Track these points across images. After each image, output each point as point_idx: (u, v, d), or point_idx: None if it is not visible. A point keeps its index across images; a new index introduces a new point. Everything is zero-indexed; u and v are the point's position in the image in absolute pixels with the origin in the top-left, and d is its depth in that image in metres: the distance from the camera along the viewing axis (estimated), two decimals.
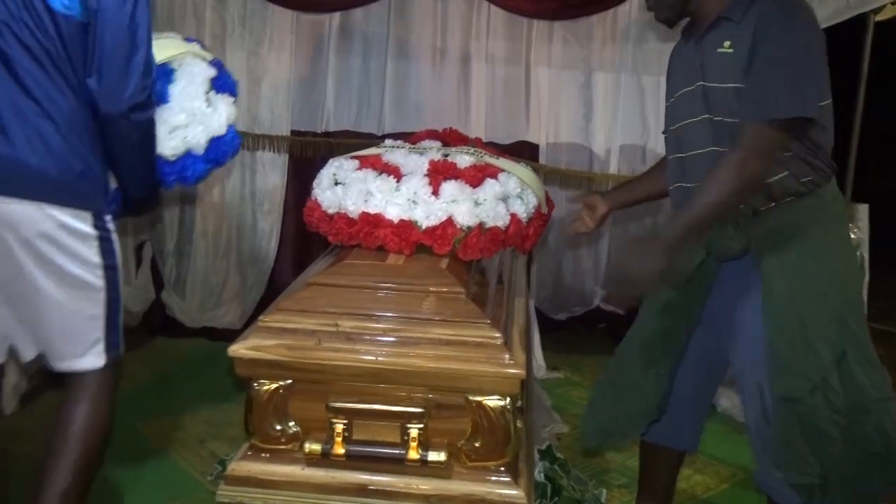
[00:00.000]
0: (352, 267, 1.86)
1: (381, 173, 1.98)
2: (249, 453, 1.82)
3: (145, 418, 2.72)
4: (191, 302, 3.78)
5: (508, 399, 1.72)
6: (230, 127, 1.98)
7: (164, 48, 1.91)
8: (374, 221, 1.89)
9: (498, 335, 1.73)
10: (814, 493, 1.72)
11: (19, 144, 1.61)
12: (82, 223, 1.71)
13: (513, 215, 2.01)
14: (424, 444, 1.75)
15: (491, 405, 1.72)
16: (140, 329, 3.64)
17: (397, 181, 1.95)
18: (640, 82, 3.62)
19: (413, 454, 1.74)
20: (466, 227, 1.90)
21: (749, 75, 1.68)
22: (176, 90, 1.90)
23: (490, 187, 1.99)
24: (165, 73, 1.91)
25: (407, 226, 1.87)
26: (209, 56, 2.06)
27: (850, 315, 1.75)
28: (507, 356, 1.70)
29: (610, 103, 3.68)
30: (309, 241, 3.56)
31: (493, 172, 2.08)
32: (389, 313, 1.77)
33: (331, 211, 1.97)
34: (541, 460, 2.28)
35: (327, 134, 3.63)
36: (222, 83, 2.01)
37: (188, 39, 2.07)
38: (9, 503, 2.14)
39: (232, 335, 1.91)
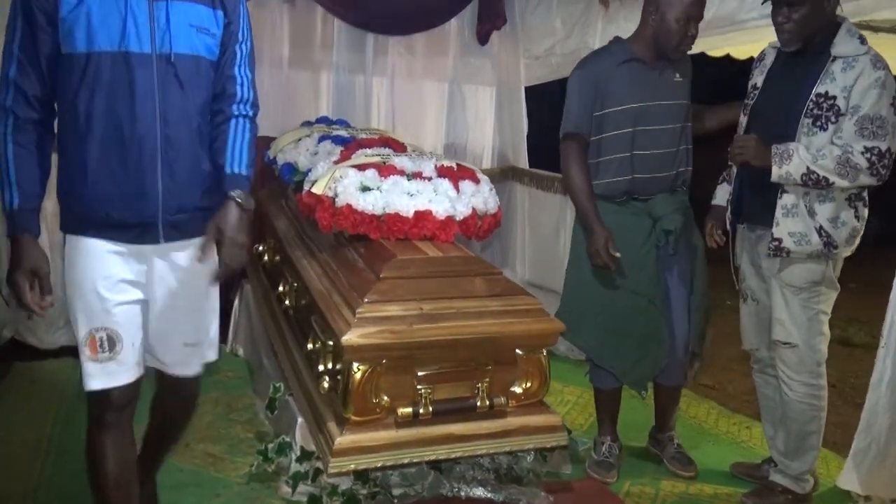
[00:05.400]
0: (410, 262, 2.24)
1: (412, 177, 2.38)
2: (348, 428, 2.12)
3: None
4: (39, 322, 3.54)
5: (546, 349, 2.29)
6: None
7: None
8: (424, 217, 2.30)
9: (537, 302, 2.28)
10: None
11: None
12: None
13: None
14: (489, 394, 2.24)
15: (536, 356, 2.27)
16: None
17: (430, 183, 2.38)
18: (461, 90, 4.30)
19: (483, 403, 2.22)
20: (482, 215, 2.42)
21: None
22: None
23: (485, 183, 2.52)
24: None
25: (450, 219, 2.33)
26: None
27: None
28: (548, 317, 2.27)
29: (436, 108, 4.30)
30: None
31: (474, 171, 2.61)
32: (455, 295, 2.21)
33: (377, 212, 2.31)
34: None
35: None
36: None
37: None
38: None
39: None
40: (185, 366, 1.99)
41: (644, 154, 2.55)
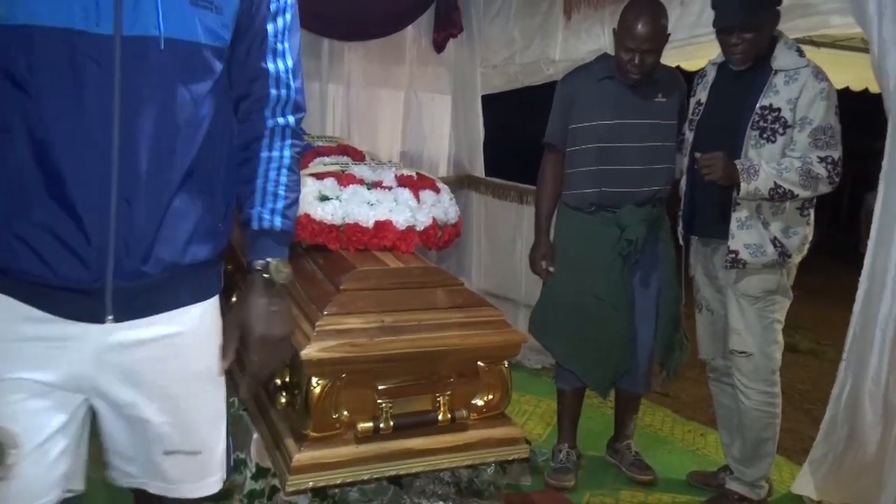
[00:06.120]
0: (370, 273, 2.19)
1: (371, 187, 2.33)
2: (306, 444, 2.06)
3: None
4: None
5: (508, 361, 2.27)
6: None
7: None
8: (384, 227, 2.25)
9: (499, 313, 2.26)
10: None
11: None
12: None
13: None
14: (450, 407, 2.20)
15: (498, 367, 2.25)
16: None
17: (390, 192, 2.33)
18: (418, 98, 4.27)
19: (444, 416, 2.18)
20: (442, 225, 2.39)
21: None
22: None
23: (445, 192, 2.49)
24: None
25: (410, 229, 2.29)
26: None
27: None
28: (510, 328, 2.25)
29: (392, 115, 4.27)
30: None
31: (434, 181, 2.58)
32: (416, 306, 2.17)
33: (336, 222, 2.26)
34: None
35: None
36: None
37: None
38: None
39: None
40: (183, 483, 1.36)
41: (612, 169, 2.57)
